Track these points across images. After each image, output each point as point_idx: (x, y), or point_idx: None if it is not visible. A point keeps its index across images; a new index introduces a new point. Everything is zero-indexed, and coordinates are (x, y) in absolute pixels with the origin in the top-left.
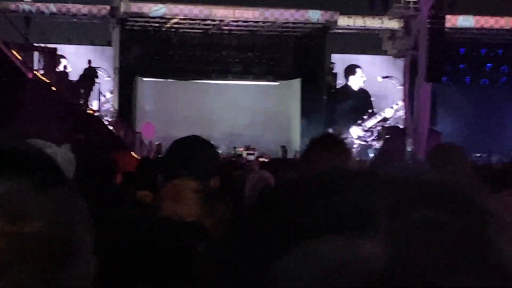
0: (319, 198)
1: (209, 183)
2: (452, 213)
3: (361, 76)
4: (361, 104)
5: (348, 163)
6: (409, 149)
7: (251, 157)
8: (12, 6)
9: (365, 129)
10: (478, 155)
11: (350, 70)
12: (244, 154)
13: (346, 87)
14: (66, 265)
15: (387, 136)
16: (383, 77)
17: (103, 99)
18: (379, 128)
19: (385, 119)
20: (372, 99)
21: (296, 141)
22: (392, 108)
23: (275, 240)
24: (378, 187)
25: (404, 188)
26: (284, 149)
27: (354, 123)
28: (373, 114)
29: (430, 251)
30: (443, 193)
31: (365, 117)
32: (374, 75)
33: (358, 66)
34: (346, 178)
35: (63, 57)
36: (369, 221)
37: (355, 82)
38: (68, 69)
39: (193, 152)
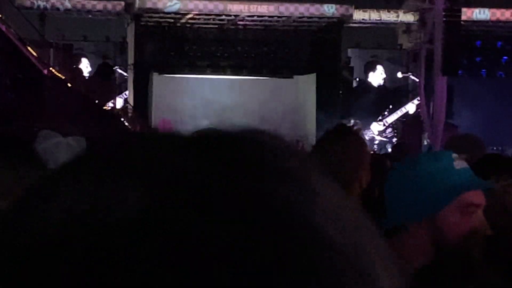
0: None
1: None
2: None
3: (381, 73)
4: (380, 100)
5: (362, 152)
6: (425, 142)
7: None
8: (27, 2)
9: (386, 124)
10: (494, 148)
11: (370, 66)
12: None
13: (366, 83)
14: None
15: (404, 130)
16: (403, 74)
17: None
18: (397, 122)
19: (406, 114)
20: (392, 94)
21: (312, 136)
22: (413, 103)
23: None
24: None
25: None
26: (299, 143)
27: (374, 118)
28: (394, 110)
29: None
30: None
31: (385, 112)
32: (394, 69)
33: (378, 62)
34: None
35: (83, 55)
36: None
37: (375, 79)
38: (87, 67)
39: None
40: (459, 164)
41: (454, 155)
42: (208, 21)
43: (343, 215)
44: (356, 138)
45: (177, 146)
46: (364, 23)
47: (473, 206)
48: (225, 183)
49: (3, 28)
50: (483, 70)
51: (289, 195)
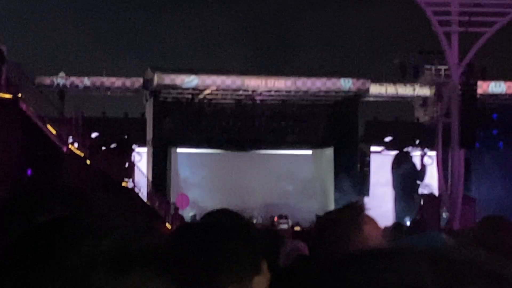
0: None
1: None
2: None
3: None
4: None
5: (371, 232)
6: (444, 215)
7: (285, 226)
8: (47, 80)
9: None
10: None
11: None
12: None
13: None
14: None
15: (422, 204)
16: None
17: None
18: (414, 194)
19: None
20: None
21: (330, 209)
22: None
23: None
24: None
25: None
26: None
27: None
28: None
29: None
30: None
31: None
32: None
33: (408, 154)
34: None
35: (101, 132)
36: None
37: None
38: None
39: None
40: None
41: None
42: (226, 96)
43: None
44: (364, 216)
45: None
46: (380, 97)
47: None
48: None
49: (23, 107)
50: (501, 143)
51: None
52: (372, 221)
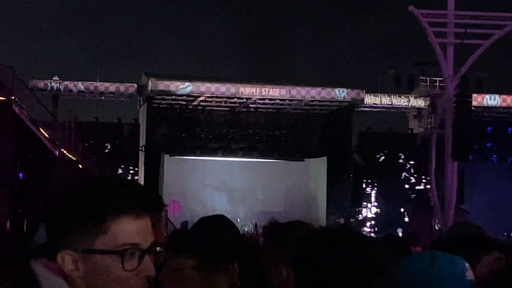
0: None
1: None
2: None
3: None
4: None
5: None
6: (436, 227)
7: None
8: (41, 84)
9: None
10: (505, 234)
11: None
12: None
13: None
14: None
15: (414, 214)
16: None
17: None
18: (406, 206)
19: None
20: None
21: (322, 219)
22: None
23: None
24: None
25: None
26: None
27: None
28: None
29: None
30: None
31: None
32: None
33: None
34: None
35: (94, 136)
36: None
37: None
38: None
39: (217, 232)
40: (470, 275)
41: (467, 264)
42: (220, 104)
43: None
44: None
45: None
46: (375, 107)
47: None
48: None
49: (16, 110)
50: (494, 156)
51: None
52: None
